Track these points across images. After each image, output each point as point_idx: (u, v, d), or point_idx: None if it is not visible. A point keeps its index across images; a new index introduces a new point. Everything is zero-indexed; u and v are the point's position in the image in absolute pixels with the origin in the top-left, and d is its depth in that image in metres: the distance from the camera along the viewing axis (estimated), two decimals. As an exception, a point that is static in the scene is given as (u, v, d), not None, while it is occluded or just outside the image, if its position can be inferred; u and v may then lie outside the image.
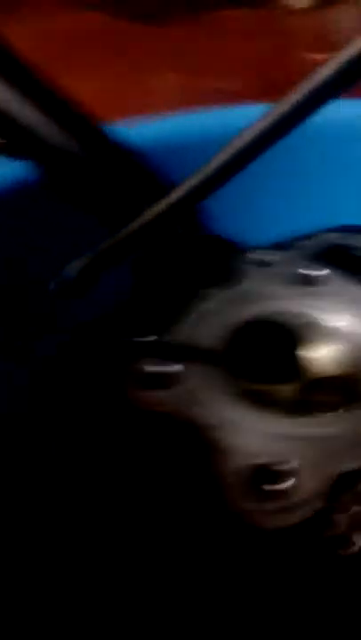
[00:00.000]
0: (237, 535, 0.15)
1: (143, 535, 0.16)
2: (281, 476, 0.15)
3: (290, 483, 0.15)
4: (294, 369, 0.19)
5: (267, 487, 0.15)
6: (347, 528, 0.15)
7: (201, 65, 0.56)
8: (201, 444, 0.16)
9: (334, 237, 0.22)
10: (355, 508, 0.15)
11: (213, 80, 0.53)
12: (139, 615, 0.14)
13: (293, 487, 0.15)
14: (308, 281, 0.21)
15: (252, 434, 0.16)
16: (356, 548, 0.14)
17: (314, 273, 0.21)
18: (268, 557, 0.15)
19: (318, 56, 0.52)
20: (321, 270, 0.21)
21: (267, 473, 0.15)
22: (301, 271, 0.21)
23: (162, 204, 0.16)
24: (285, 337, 0.20)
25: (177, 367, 0.18)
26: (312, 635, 0.13)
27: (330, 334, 0.19)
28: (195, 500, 0.16)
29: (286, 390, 0.18)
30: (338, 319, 0.19)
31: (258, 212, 0.26)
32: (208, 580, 0.14)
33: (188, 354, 0.19)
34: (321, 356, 0.19)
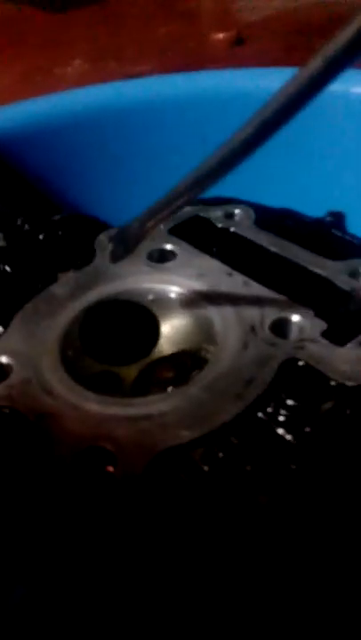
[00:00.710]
0: (72, 513, 0.14)
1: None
2: (108, 457, 0.15)
3: (116, 463, 0.15)
4: (139, 348, 0.18)
5: (94, 468, 0.15)
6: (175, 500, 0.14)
7: (106, 50, 0.55)
8: (33, 434, 0.16)
9: (191, 211, 0.22)
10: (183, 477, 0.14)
11: (119, 64, 0.53)
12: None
13: (119, 466, 0.14)
14: (159, 256, 0.20)
15: (85, 418, 0.16)
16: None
17: (165, 248, 0.21)
18: (99, 533, 0.14)
19: (221, 35, 0.52)
20: (173, 245, 0.21)
21: (94, 455, 0.15)
22: (153, 247, 0.21)
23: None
24: (132, 316, 0.19)
25: (10, 359, 0.18)
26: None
27: (175, 311, 0.19)
28: (29, 488, 0.15)
29: (128, 371, 0.18)
30: (184, 294, 0.19)
31: (120, 189, 0.25)
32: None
33: (31, 343, 0.18)
34: (165, 333, 0.19)
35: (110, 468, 0.15)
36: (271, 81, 0.25)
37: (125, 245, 0.19)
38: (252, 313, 0.18)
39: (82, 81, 0.53)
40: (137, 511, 0.14)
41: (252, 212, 0.22)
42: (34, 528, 0.15)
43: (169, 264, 0.20)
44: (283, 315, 0.17)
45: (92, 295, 0.20)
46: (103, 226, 0.23)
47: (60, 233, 0.23)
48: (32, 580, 0.14)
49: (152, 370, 0.18)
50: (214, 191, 0.24)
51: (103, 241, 0.22)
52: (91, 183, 0.22)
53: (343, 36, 0.11)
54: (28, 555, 0.14)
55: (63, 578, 0.14)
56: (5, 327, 0.19)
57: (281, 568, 0.13)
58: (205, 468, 0.14)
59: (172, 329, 0.19)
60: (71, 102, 0.23)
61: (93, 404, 0.16)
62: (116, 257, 0.19)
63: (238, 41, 0.51)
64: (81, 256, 0.21)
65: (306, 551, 0.13)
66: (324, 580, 0.13)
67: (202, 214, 0.22)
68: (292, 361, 0.16)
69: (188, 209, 0.23)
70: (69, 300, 0.20)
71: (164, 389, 0.17)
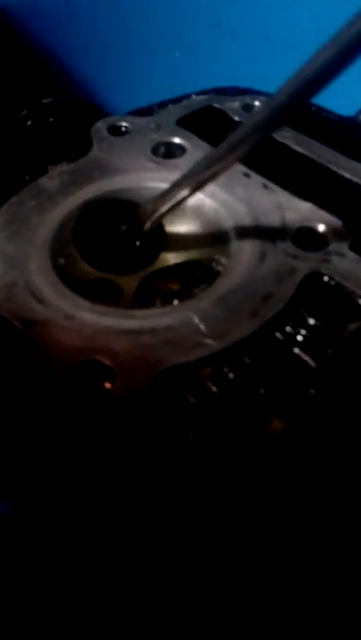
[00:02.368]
0: (63, 432, 0.13)
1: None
2: (105, 372, 0.13)
3: (114, 379, 0.13)
4: (141, 255, 0.16)
5: (89, 384, 0.13)
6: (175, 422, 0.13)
7: None
8: (20, 343, 0.14)
9: (203, 100, 0.19)
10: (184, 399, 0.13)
11: None
12: None
13: (118, 383, 0.13)
14: (166, 151, 0.18)
15: (80, 329, 0.14)
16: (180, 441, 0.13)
17: (173, 141, 0.18)
18: (89, 454, 0.13)
19: None
20: (182, 138, 0.18)
21: (89, 370, 0.13)
22: (159, 139, 0.18)
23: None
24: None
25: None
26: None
27: (183, 215, 0.16)
28: (16, 403, 0.14)
29: (128, 281, 0.16)
30: (194, 196, 0.17)
31: (124, 72, 0.22)
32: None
33: (16, 242, 0.16)
34: (171, 240, 0.16)
35: (108, 385, 0.13)
36: None
37: (140, 226, 0.16)
38: (271, 220, 0.16)
39: None
40: (136, 433, 0.13)
41: (273, 106, 0.19)
42: (21, 445, 0.13)
43: (177, 160, 0.18)
44: (307, 223, 0.15)
45: (88, 192, 0.17)
46: (101, 113, 0.20)
47: (50, 119, 0.20)
48: (18, 498, 0.13)
49: (156, 280, 0.16)
50: (229, 80, 0.21)
51: (101, 129, 0.19)
52: (90, 63, 0.19)
53: None
54: (14, 471, 0.13)
55: (52, 499, 0.13)
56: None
57: (295, 503, 0.12)
58: (214, 389, 0.13)
59: (179, 236, 0.17)
60: None
61: (89, 314, 0.14)
62: (130, 238, 0.17)
63: None
64: (75, 146, 0.19)
65: (322, 481, 0.12)
66: (340, 514, 0.12)
67: (216, 105, 0.19)
68: (315, 275, 0.14)
69: (199, 98, 0.20)
70: (61, 195, 0.17)
71: (170, 302, 0.15)
